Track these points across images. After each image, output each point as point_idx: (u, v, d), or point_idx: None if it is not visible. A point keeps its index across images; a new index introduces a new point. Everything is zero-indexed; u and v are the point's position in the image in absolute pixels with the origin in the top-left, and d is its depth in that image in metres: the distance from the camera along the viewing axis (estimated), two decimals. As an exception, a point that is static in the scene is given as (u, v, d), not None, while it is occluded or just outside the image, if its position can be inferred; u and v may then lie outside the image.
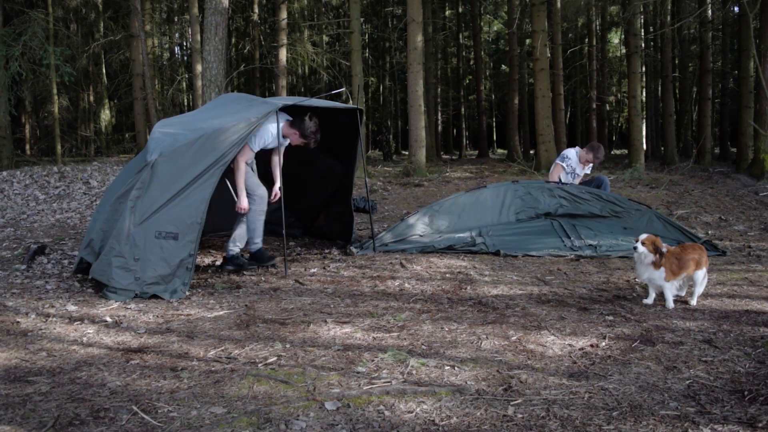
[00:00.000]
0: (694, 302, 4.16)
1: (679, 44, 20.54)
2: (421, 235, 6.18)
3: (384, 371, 2.95)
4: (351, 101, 13.21)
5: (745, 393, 2.67)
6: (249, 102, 5.32)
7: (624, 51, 22.19)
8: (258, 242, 5.24)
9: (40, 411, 2.54)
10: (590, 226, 6.31)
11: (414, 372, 2.94)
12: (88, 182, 9.60)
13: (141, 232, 4.30)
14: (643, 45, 18.27)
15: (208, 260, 5.79)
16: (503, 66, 29.49)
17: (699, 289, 4.21)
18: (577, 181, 7.21)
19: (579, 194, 6.45)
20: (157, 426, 2.40)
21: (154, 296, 4.35)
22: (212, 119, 4.83)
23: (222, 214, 6.73)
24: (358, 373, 2.93)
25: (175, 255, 4.39)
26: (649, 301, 4.19)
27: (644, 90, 21.07)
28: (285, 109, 5.21)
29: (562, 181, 7.00)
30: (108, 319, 3.88)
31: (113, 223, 4.42)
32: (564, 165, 7.14)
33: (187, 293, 4.50)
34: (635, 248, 4.07)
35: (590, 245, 6.00)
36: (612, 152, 24.43)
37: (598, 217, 6.39)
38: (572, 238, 6.15)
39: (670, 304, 4.08)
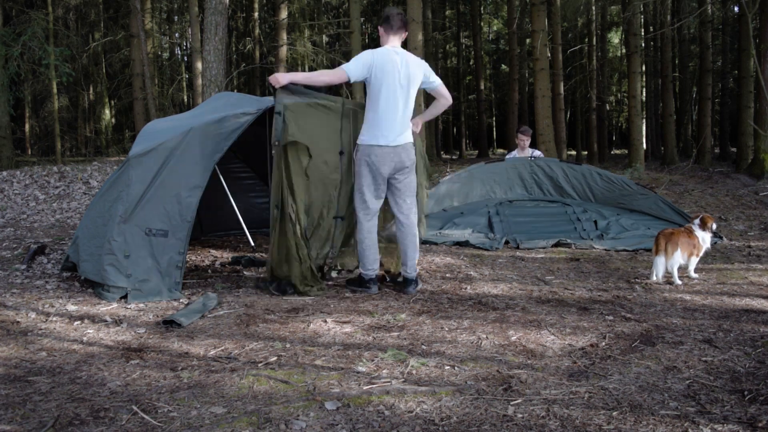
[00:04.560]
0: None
1: (679, 44, 20.55)
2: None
3: (384, 371, 2.95)
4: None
5: (745, 393, 2.67)
6: (240, 100, 5.27)
7: (624, 51, 22.17)
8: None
9: (40, 411, 2.54)
10: (602, 211, 6.79)
11: (414, 372, 2.94)
12: (88, 182, 9.60)
13: (130, 229, 4.28)
14: (643, 45, 18.25)
15: (208, 260, 5.79)
16: (503, 66, 29.48)
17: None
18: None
19: (590, 177, 7.00)
20: (157, 426, 2.40)
21: (159, 298, 4.34)
22: (201, 117, 4.81)
23: (221, 215, 6.76)
24: (358, 373, 2.93)
25: (164, 252, 4.36)
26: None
27: (644, 90, 21.05)
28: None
29: None
30: (108, 318, 3.88)
31: (101, 221, 4.41)
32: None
33: (186, 293, 4.50)
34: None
35: (601, 235, 6.40)
36: (612, 152, 24.44)
37: (608, 202, 6.96)
38: (582, 221, 6.61)
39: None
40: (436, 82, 4.45)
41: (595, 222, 6.57)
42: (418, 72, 4.36)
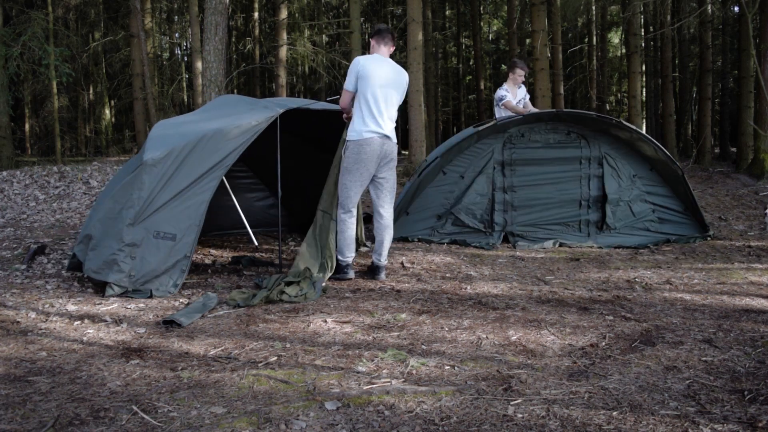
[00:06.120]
0: None
1: (679, 44, 20.53)
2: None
3: (384, 371, 2.95)
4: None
5: (745, 393, 2.67)
6: (250, 105, 5.29)
7: (624, 51, 22.17)
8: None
9: (40, 411, 2.54)
10: (618, 167, 6.48)
11: (414, 372, 2.94)
12: (88, 182, 9.60)
13: (139, 231, 4.31)
14: (643, 45, 18.24)
15: (208, 260, 5.79)
16: (503, 66, 29.47)
17: None
18: (528, 108, 6.89)
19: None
20: (157, 426, 2.40)
21: (154, 296, 4.35)
22: (212, 121, 4.82)
23: (221, 214, 6.76)
24: (358, 372, 2.93)
25: (171, 256, 4.39)
26: None
27: (644, 90, 21.03)
28: (285, 112, 5.18)
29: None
30: (108, 318, 3.88)
31: (111, 222, 4.42)
32: (512, 100, 6.77)
33: (186, 293, 4.50)
34: None
35: (604, 225, 6.41)
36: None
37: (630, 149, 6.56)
38: (591, 184, 6.43)
39: None
40: (400, 102, 4.88)
41: (604, 189, 6.36)
42: (403, 80, 4.82)
